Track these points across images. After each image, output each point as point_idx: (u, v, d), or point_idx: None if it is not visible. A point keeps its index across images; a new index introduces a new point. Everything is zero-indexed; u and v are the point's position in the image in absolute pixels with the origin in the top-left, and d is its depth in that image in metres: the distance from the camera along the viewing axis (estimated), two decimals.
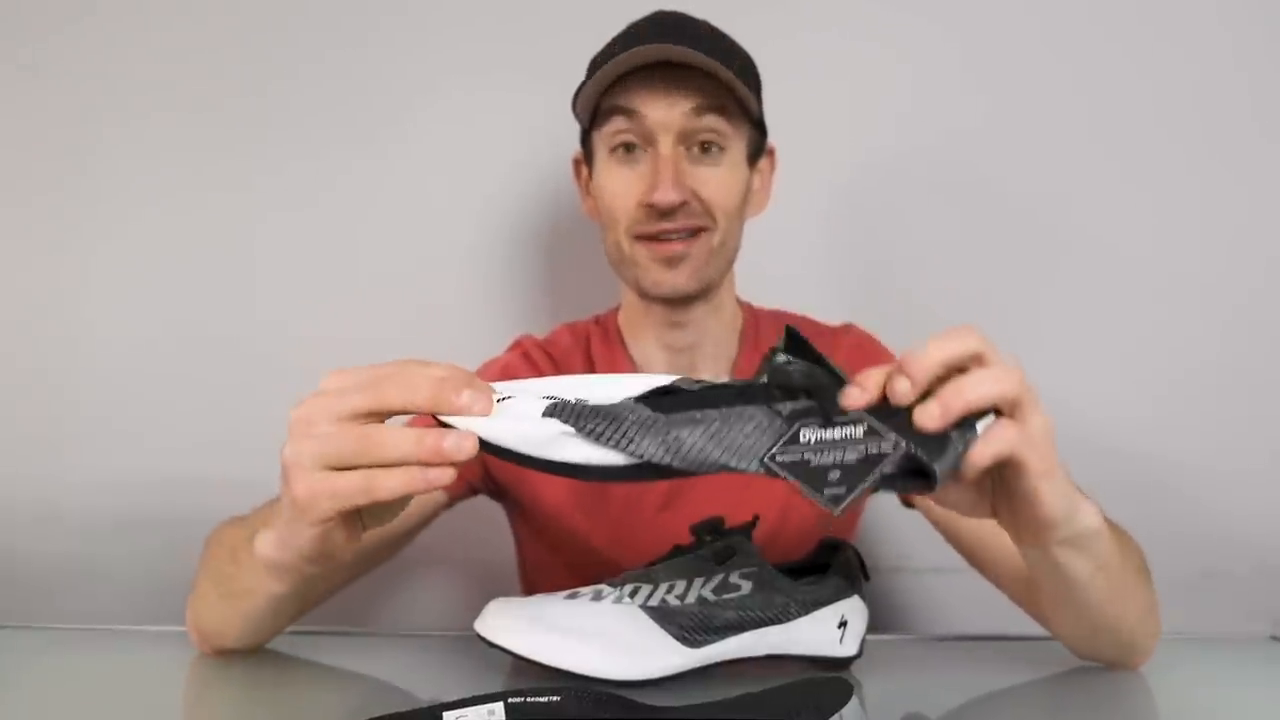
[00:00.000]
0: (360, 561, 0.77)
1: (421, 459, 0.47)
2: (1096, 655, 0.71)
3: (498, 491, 0.90)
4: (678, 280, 0.82)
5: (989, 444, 0.48)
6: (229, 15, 1.14)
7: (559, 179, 1.08)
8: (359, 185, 1.14)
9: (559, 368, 0.89)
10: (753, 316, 0.93)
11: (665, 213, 0.79)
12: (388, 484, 0.47)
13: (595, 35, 0.85)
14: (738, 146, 0.83)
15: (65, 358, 1.13)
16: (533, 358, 0.89)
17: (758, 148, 0.87)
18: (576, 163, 0.91)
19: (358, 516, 0.52)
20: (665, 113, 0.79)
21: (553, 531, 0.87)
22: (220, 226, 1.14)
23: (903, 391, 0.46)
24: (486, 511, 0.93)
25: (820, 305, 0.97)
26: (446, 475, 0.47)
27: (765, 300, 0.96)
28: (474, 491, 0.88)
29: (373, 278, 1.14)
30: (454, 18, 1.14)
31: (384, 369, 0.49)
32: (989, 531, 0.78)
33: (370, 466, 0.47)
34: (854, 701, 0.56)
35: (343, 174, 1.14)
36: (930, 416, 0.46)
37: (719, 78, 0.78)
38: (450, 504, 0.85)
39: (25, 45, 1.13)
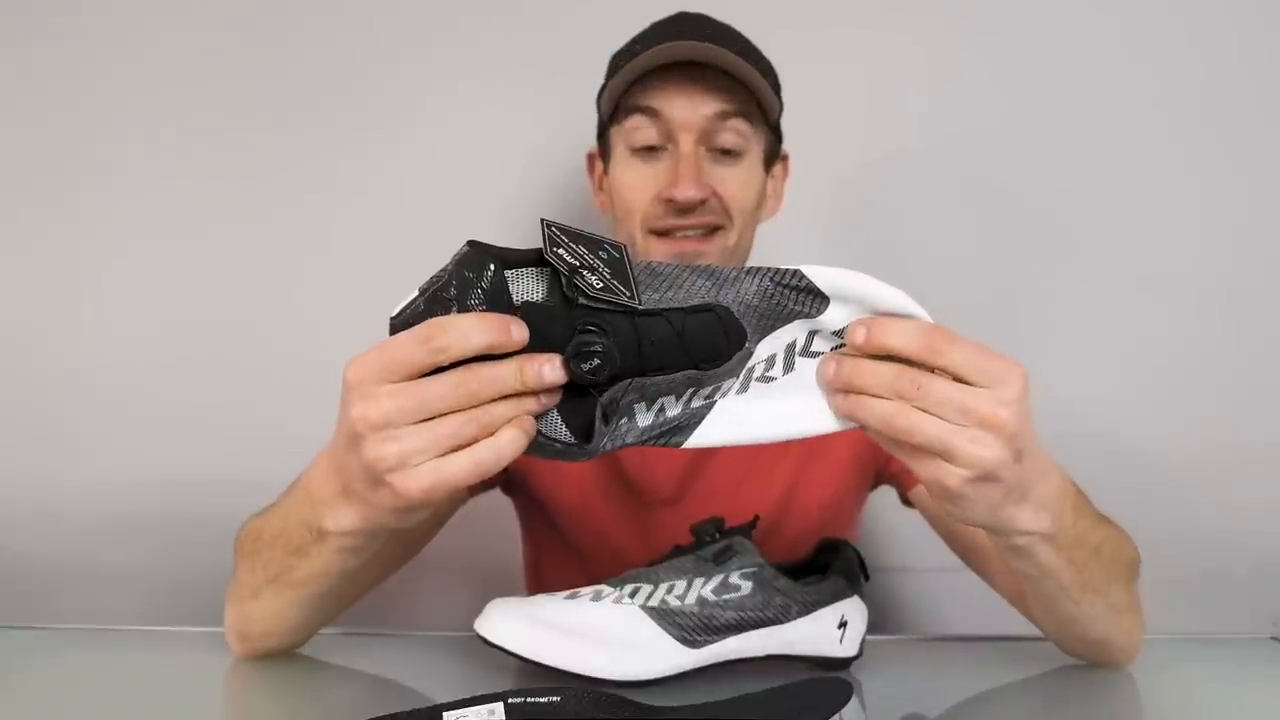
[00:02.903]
0: (389, 561, 0.77)
1: (526, 387, 0.47)
2: (1072, 648, 0.71)
3: (513, 484, 0.90)
4: None
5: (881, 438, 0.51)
6: (241, 11, 1.14)
7: (572, 175, 1.08)
8: (365, 183, 1.14)
9: None
10: None
11: (684, 209, 0.79)
12: (496, 426, 0.47)
13: (610, 30, 0.85)
14: (756, 149, 0.83)
15: (66, 358, 1.13)
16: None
17: (773, 151, 0.87)
18: (591, 157, 0.91)
19: None
20: (688, 113, 0.79)
21: (565, 523, 0.88)
22: (224, 226, 1.14)
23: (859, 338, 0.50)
24: (486, 511, 0.93)
25: None
26: (553, 399, 0.48)
27: None
28: (490, 485, 0.89)
29: (379, 276, 1.13)
30: (466, 13, 1.14)
31: (410, 351, 0.47)
32: (978, 532, 0.78)
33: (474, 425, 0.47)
34: (854, 701, 0.56)
35: (347, 172, 1.14)
36: (837, 405, 0.51)
37: (744, 79, 0.78)
38: (471, 497, 0.86)
39: (19, 45, 1.13)
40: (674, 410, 0.51)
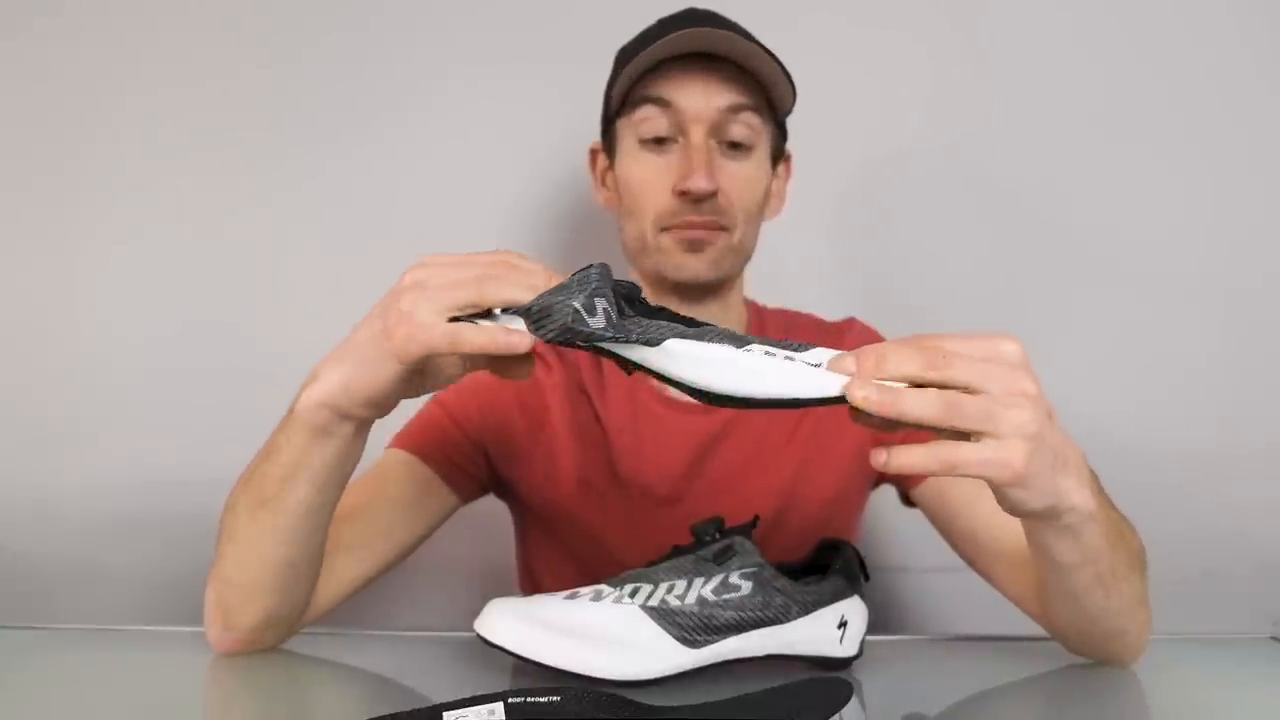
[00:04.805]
0: (380, 557, 0.78)
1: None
2: (1088, 647, 0.70)
3: (503, 487, 0.90)
4: (699, 266, 0.82)
5: (913, 457, 0.50)
6: (240, 11, 1.14)
7: (571, 174, 1.08)
8: (365, 183, 1.14)
9: (564, 356, 0.89)
10: (758, 315, 0.93)
11: (697, 200, 0.79)
12: (500, 291, 0.54)
13: (609, 27, 0.85)
14: (764, 145, 0.84)
15: (65, 357, 1.13)
16: (539, 348, 0.90)
17: (779, 150, 0.87)
18: (593, 153, 0.91)
19: (419, 377, 0.60)
20: (700, 104, 0.79)
21: (560, 525, 0.87)
22: (223, 224, 1.14)
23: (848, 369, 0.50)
24: (486, 512, 0.93)
25: (827, 304, 0.97)
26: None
27: (771, 299, 0.96)
28: (483, 490, 0.89)
29: (379, 276, 1.12)
30: (463, 12, 1.14)
31: (488, 268, 0.55)
32: (985, 530, 0.78)
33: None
34: (854, 701, 0.56)
35: (347, 171, 1.14)
36: (864, 399, 0.49)
37: (758, 72, 0.79)
38: (461, 503, 0.86)
39: (17, 45, 1.13)
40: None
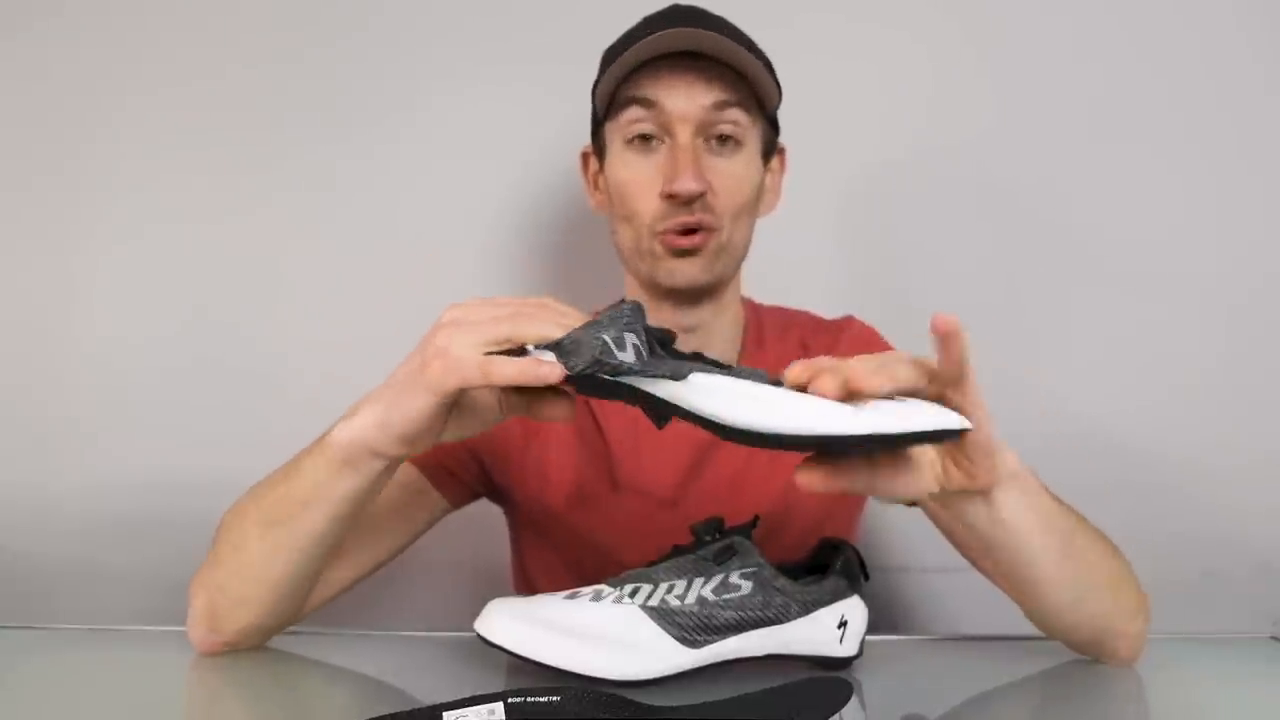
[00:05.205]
0: (366, 561, 0.78)
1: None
2: (1080, 632, 0.70)
3: (497, 493, 0.90)
4: (693, 271, 0.81)
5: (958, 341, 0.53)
6: (239, 11, 1.14)
7: (567, 176, 1.08)
8: (364, 182, 1.14)
9: None
10: (755, 314, 0.93)
11: (686, 202, 0.79)
12: (534, 327, 0.56)
13: (609, 28, 0.85)
14: (754, 141, 0.83)
15: (65, 357, 1.13)
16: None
17: (770, 145, 0.86)
18: (585, 156, 0.90)
19: (449, 413, 0.60)
20: (685, 104, 0.78)
21: (556, 529, 0.87)
22: (222, 224, 1.14)
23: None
24: (485, 512, 0.93)
25: (828, 304, 0.97)
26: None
27: (771, 298, 0.96)
28: (475, 495, 0.88)
29: (377, 276, 1.13)
30: (462, 13, 1.14)
31: (523, 307, 0.58)
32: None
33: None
34: (854, 701, 0.56)
35: (347, 171, 1.14)
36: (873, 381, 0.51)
37: (742, 69, 0.78)
38: (453, 508, 0.86)
39: (16, 45, 1.13)
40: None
